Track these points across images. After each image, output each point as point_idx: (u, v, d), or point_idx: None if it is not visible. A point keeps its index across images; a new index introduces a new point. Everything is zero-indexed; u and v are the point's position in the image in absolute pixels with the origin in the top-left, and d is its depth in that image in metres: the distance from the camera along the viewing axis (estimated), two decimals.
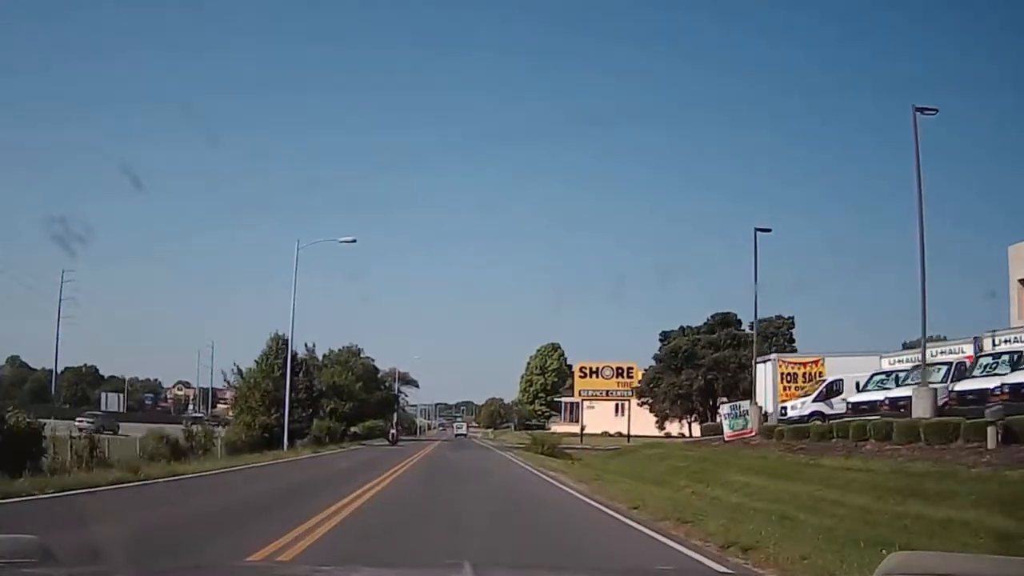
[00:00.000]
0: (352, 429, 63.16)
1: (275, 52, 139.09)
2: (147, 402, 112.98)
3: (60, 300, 77.14)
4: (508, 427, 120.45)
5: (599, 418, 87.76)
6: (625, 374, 66.93)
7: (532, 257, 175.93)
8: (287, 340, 41.57)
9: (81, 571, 3.14)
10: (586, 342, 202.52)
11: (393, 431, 62.77)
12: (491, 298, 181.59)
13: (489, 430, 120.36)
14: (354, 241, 37.94)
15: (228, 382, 39.05)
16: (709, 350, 60.79)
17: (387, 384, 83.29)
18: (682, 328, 67.51)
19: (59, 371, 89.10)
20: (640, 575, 6.32)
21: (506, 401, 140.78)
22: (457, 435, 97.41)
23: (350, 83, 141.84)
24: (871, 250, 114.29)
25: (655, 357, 67.04)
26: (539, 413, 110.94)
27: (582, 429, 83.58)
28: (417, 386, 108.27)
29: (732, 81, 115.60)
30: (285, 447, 35.55)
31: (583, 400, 68.54)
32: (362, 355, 70.05)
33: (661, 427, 66.67)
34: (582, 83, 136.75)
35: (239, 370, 39.37)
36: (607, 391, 67.11)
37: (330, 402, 55.35)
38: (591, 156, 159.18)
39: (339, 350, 68.39)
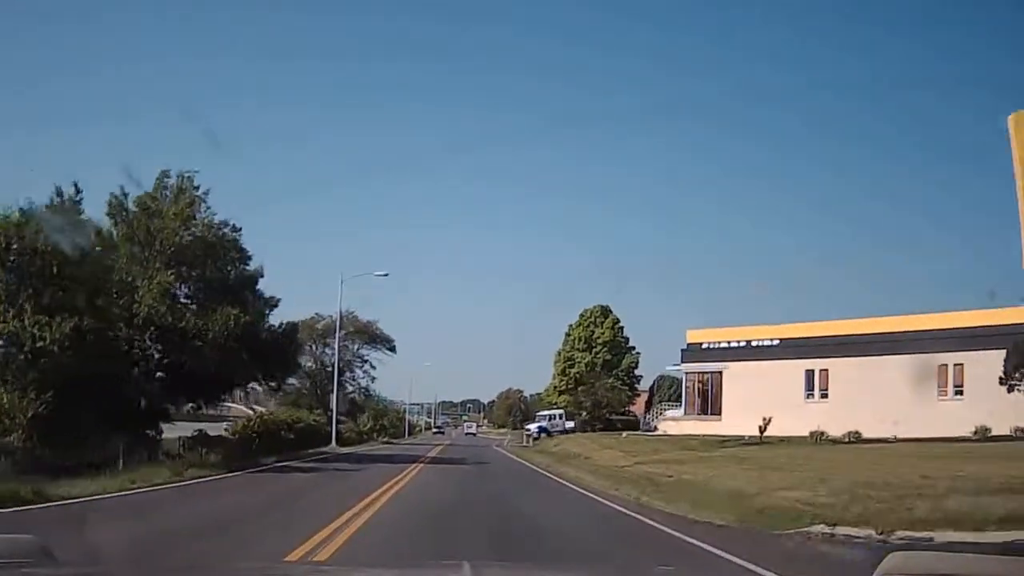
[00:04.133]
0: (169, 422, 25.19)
1: (272, 54, 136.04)
2: None
3: None
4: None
5: (745, 404, 45.05)
6: None
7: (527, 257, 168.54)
8: None
9: (81, 571, 3.10)
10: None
11: None
12: (492, 297, 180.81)
13: (510, 431, 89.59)
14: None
15: None
16: None
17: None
18: None
19: None
20: (640, 575, 5.67)
21: (526, 394, 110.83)
22: (467, 434, 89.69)
23: (349, 84, 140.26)
24: None
25: None
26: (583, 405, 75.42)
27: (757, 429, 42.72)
28: (393, 350, 64.77)
29: None
30: None
31: None
32: (204, 210, 25.85)
33: None
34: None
35: None
36: None
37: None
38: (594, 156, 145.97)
39: (143, 194, 24.64)
